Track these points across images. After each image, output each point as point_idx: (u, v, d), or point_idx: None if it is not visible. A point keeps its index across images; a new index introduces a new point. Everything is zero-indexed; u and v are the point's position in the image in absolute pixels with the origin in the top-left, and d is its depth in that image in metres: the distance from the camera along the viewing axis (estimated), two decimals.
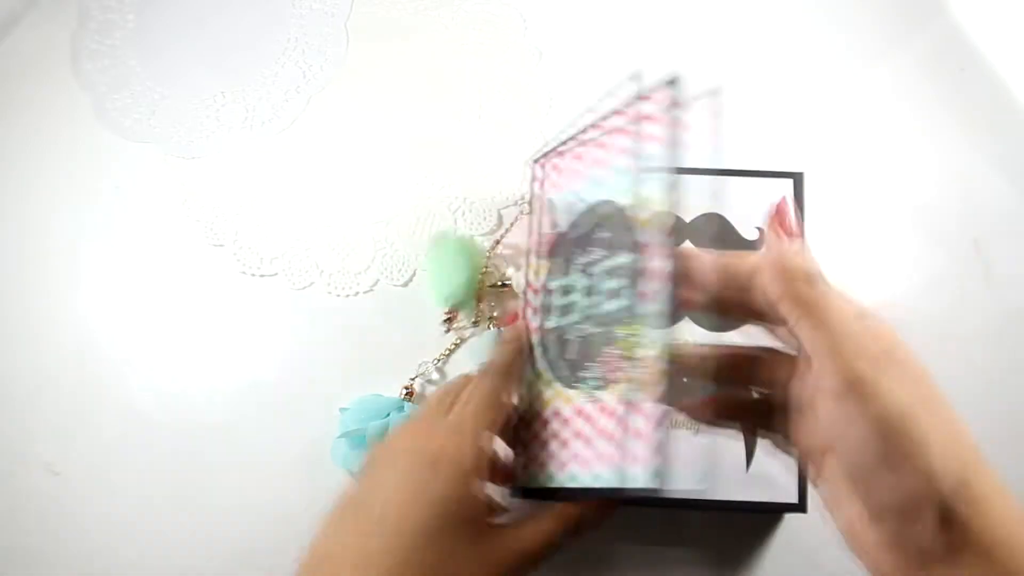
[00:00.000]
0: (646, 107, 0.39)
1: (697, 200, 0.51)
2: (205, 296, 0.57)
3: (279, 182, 0.59)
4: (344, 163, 0.59)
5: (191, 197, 0.59)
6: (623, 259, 0.39)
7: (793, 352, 0.34)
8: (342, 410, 0.52)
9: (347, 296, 0.56)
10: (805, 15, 0.62)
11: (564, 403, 0.41)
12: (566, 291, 0.44)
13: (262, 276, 0.57)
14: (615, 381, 0.38)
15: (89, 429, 0.54)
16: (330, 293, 0.57)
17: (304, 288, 0.57)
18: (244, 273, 0.57)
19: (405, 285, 0.57)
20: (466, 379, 0.42)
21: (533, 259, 0.47)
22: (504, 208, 0.58)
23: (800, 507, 0.46)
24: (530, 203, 0.48)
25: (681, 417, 0.46)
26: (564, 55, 0.63)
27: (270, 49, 0.63)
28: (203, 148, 0.61)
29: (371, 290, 0.57)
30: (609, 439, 0.37)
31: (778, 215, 0.46)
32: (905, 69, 0.60)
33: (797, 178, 0.51)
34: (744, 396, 0.38)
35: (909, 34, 0.61)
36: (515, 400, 0.43)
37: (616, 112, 0.41)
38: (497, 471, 0.42)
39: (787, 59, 0.61)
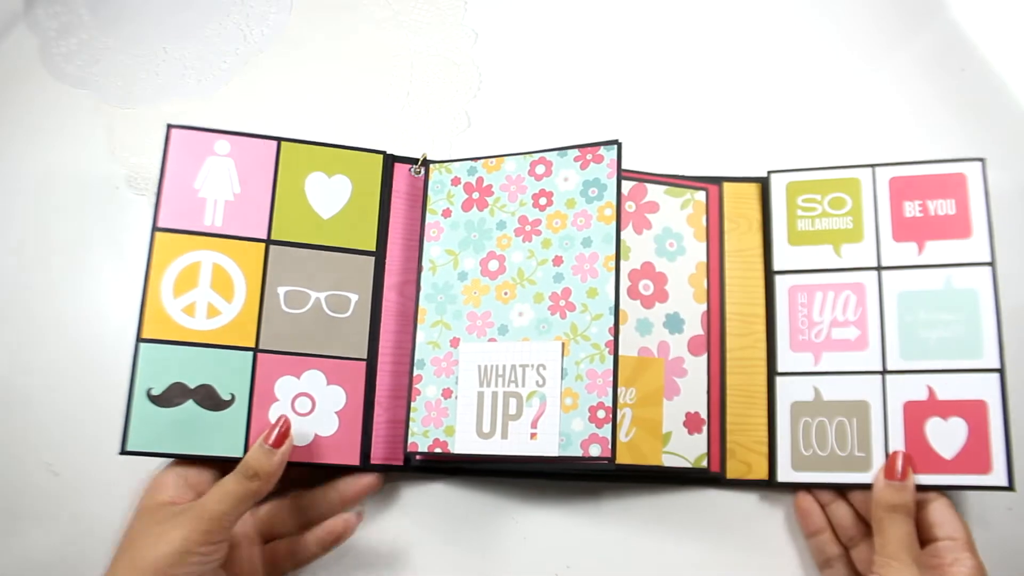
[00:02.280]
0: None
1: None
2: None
3: None
4: (271, 130, 0.57)
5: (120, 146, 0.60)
6: None
7: None
8: None
9: None
10: (804, 15, 0.62)
11: None
12: None
13: None
14: None
15: (89, 429, 0.54)
16: None
17: None
18: None
19: None
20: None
21: None
22: None
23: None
24: None
25: None
26: (499, 38, 0.63)
27: (215, 9, 0.64)
28: (139, 99, 0.62)
29: None
30: None
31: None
32: (905, 69, 0.60)
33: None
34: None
35: (909, 34, 0.61)
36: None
37: None
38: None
39: (786, 59, 0.61)
